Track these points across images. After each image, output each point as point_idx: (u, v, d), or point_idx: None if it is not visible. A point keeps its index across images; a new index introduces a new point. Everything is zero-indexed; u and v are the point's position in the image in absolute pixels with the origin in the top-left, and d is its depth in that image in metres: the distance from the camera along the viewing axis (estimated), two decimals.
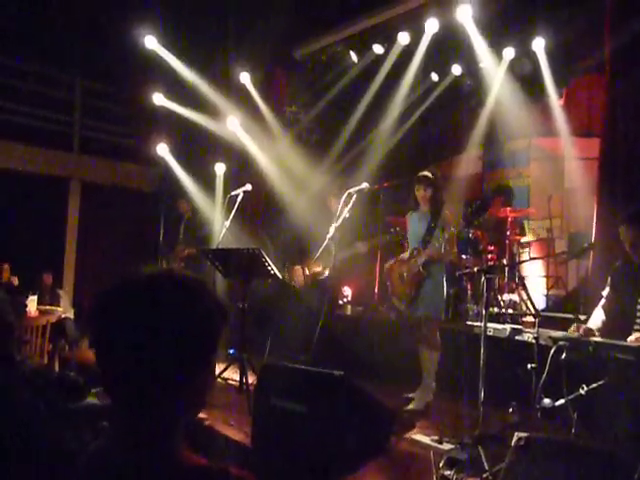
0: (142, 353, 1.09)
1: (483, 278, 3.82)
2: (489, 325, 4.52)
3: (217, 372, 4.74)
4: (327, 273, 5.67)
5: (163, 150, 7.94)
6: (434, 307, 4.60)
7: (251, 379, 4.51)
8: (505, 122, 7.30)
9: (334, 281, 5.64)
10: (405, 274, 4.73)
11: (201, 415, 3.80)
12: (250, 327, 5.04)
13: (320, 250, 4.94)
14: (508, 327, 4.95)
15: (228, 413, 4.19)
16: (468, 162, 8.21)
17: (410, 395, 4.71)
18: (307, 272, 5.81)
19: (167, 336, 1.10)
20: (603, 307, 3.80)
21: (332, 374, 3.21)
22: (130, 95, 9.11)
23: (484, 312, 3.75)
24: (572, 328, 3.71)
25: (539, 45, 6.76)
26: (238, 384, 4.73)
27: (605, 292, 3.84)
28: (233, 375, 4.96)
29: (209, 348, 1.17)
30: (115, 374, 1.12)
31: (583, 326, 3.70)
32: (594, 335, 3.61)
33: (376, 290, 6.94)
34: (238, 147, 7.80)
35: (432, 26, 6.81)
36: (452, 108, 8.39)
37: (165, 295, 1.13)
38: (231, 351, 5.36)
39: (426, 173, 4.71)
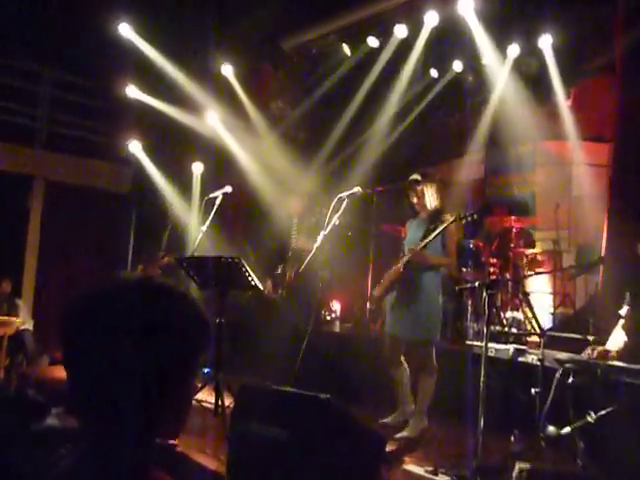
0: (113, 367, 1.08)
1: (484, 293, 3.81)
2: (490, 345, 4.50)
3: None
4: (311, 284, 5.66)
5: (136, 147, 7.91)
6: (428, 327, 4.55)
7: (228, 401, 4.48)
8: (509, 124, 7.34)
9: (321, 295, 5.62)
10: (389, 279, 4.72)
11: (172, 441, 3.75)
12: (227, 344, 5.00)
13: (306, 261, 4.93)
14: (511, 347, 4.94)
15: (202, 439, 4.15)
16: (469, 166, 8.25)
17: (385, 420, 4.64)
18: (284, 283, 5.81)
19: (141, 349, 1.09)
20: (623, 327, 3.81)
21: (317, 397, 3.18)
22: (101, 87, 9.06)
23: (485, 331, 3.74)
24: (588, 350, 3.72)
25: (546, 42, 6.82)
26: (213, 407, 4.68)
27: (623, 311, 3.85)
28: (208, 397, 4.91)
29: (187, 364, 1.17)
30: (84, 390, 1.11)
31: (599, 348, 3.70)
32: (611, 357, 3.62)
33: (368, 305, 6.93)
34: (218, 145, 7.80)
35: (432, 19, 6.85)
36: (452, 107, 8.45)
37: (141, 305, 1.12)
38: (206, 370, 5.31)
39: (415, 176, 4.69)
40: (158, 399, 1.12)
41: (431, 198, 4.66)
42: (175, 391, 1.15)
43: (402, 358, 4.71)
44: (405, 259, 4.55)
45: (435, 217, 4.60)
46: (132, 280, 1.19)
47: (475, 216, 4.34)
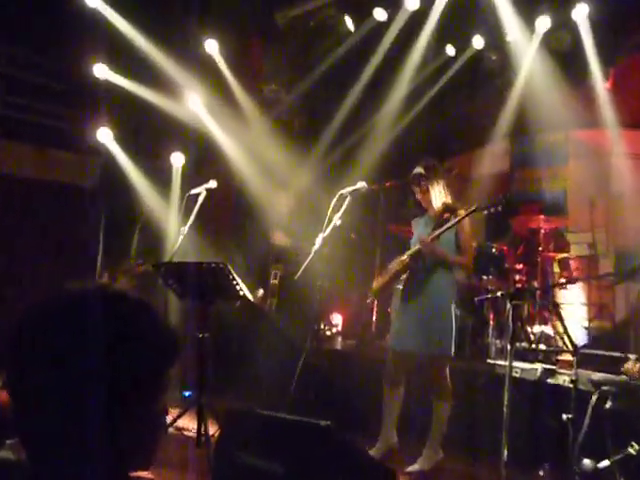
0: (66, 388, 1.08)
1: (508, 305, 3.83)
2: (515, 364, 4.52)
3: (169, 420, 4.71)
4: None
5: (105, 135, 7.90)
6: (441, 339, 4.56)
7: (212, 429, 4.49)
8: (538, 109, 7.35)
9: (319, 306, 5.64)
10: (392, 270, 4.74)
11: (147, 475, 3.76)
12: (212, 363, 5.01)
13: (302, 268, 4.94)
14: (539, 367, 4.97)
15: (182, 472, 4.15)
16: (493, 158, 8.27)
17: (372, 452, 4.62)
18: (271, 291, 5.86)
19: (98, 366, 1.09)
20: None
21: (316, 424, 3.18)
22: (64, 65, 9.06)
23: (509, 348, 3.75)
24: (629, 364, 3.73)
25: (581, 14, 6.83)
26: (195, 436, 4.70)
27: None
28: (189, 424, 4.93)
29: (152, 381, 1.17)
30: (32, 417, 1.11)
31: None
32: None
33: (374, 319, 6.95)
34: (201, 133, 7.80)
35: None
36: (472, 90, 8.47)
37: (97, 317, 1.12)
38: (187, 393, 5.33)
39: (418, 169, 4.73)
40: (121, 423, 1.12)
41: (438, 194, 4.67)
42: (141, 413, 1.15)
43: (403, 378, 4.73)
44: (412, 250, 4.56)
45: (446, 211, 4.62)
46: (86, 289, 1.19)
47: (499, 207, 4.34)
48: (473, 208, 4.38)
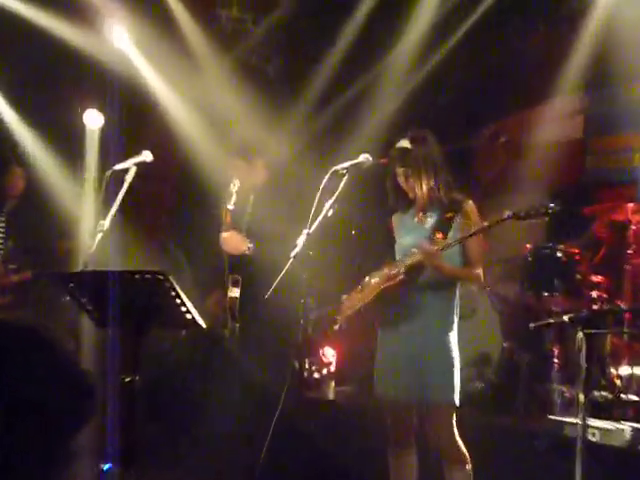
0: None
1: (580, 334, 3.80)
2: (592, 423, 4.49)
3: None
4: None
5: None
6: (445, 383, 4.56)
7: None
8: (625, 49, 7.35)
9: (305, 336, 5.65)
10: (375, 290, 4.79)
11: None
12: (144, 419, 4.98)
13: (279, 277, 4.93)
14: (627, 427, 4.95)
15: None
16: (558, 120, 8.27)
17: None
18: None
19: None
20: None
21: None
22: None
23: (582, 398, 3.73)
24: None
25: None
26: None
27: None
28: None
29: (43, 460, 1.15)
30: None
31: None
32: None
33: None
34: (128, 81, 7.77)
35: None
36: (527, 21, 8.46)
37: None
38: (106, 467, 5.29)
39: (404, 143, 4.73)
40: None
41: (426, 180, 4.67)
42: None
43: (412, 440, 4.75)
44: (410, 261, 4.54)
45: (445, 206, 4.65)
46: None
47: (545, 217, 4.33)
48: (504, 217, 4.34)
